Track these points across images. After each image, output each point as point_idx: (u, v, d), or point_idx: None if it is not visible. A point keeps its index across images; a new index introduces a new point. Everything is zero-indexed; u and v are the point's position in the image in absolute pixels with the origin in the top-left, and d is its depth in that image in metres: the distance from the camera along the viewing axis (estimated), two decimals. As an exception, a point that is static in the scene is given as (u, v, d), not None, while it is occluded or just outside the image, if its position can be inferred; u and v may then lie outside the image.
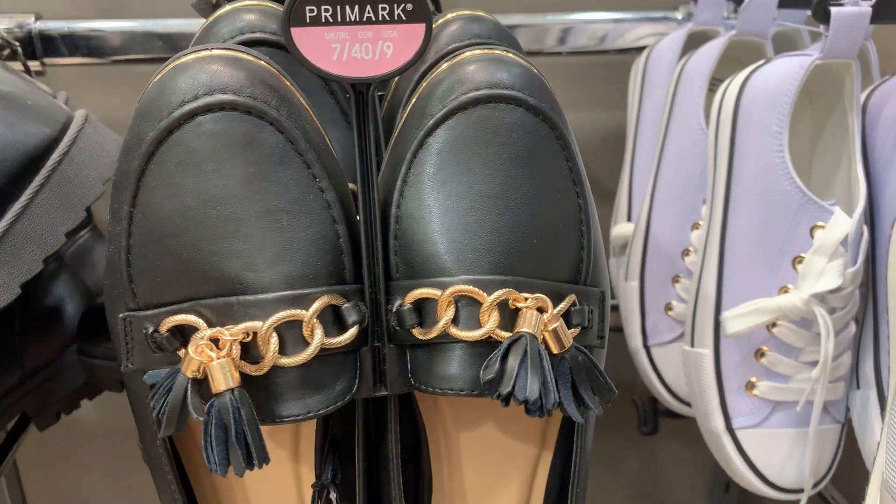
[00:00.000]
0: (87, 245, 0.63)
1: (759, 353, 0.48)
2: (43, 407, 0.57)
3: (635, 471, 0.87)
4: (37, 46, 0.63)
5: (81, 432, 0.81)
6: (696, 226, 0.54)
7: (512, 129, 0.29)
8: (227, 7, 0.38)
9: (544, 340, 0.28)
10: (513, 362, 0.26)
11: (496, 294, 0.28)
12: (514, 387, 0.26)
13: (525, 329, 0.27)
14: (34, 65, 0.63)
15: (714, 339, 0.49)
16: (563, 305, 0.29)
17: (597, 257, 0.31)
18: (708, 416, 0.50)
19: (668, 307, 0.56)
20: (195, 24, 0.63)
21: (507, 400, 0.26)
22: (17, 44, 0.58)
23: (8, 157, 0.43)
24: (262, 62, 0.29)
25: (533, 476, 0.35)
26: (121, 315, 0.29)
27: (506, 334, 0.28)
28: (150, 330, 0.28)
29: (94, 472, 0.84)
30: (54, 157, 0.45)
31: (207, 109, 0.27)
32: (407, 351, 0.29)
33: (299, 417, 0.27)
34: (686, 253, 0.55)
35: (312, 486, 0.33)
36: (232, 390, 0.26)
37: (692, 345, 0.51)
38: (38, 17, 0.62)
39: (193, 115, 0.27)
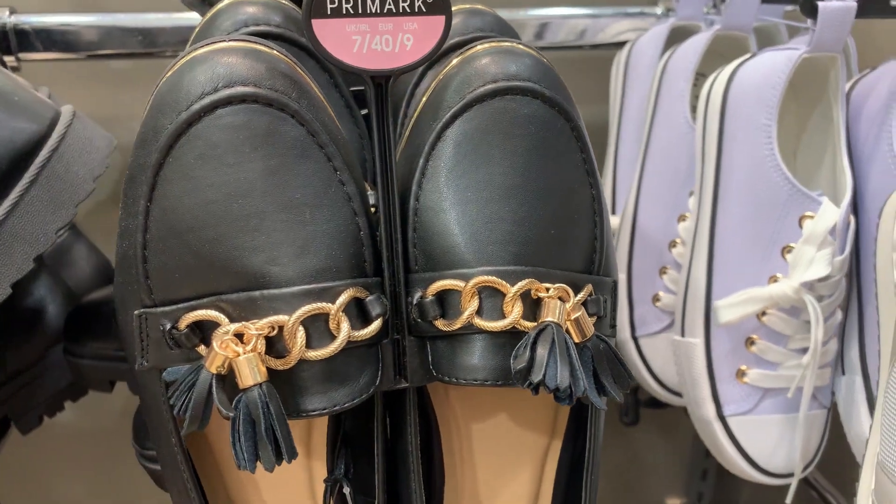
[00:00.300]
0: (67, 244, 0.62)
1: (750, 342, 0.49)
2: (26, 410, 0.56)
3: (615, 461, 0.88)
4: (11, 41, 0.61)
5: (56, 435, 0.80)
6: (682, 218, 0.55)
7: (529, 121, 0.29)
8: (227, 0, 0.37)
9: (567, 330, 0.28)
10: (542, 351, 0.27)
11: (519, 285, 0.28)
12: (544, 375, 0.26)
13: (550, 318, 0.28)
14: (9, 60, 0.61)
15: (704, 328, 0.50)
16: (581, 295, 0.29)
17: (608, 247, 0.32)
18: (699, 405, 0.51)
19: (656, 298, 0.57)
20: (173, 20, 0.62)
21: (537, 388, 0.27)
22: (-7, 38, 0.57)
23: (-3, 154, 0.42)
24: (279, 53, 0.28)
25: (543, 466, 0.35)
26: (136, 312, 0.28)
27: (529, 324, 0.28)
28: (168, 326, 0.28)
29: (70, 476, 0.83)
30: (43, 153, 0.44)
31: (228, 102, 0.26)
32: (427, 343, 0.29)
33: (325, 411, 0.27)
34: (673, 244, 0.56)
35: (325, 480, 0.33)
36: (260, 385, 0.26)
37: (682, 334, 0.52)
38: (12, 11, 0.61)
39: (214, 107, 0.26)
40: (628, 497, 0.93)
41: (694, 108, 0.55)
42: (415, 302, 0.29)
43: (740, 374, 0.49)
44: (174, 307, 0.28)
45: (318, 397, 0.27)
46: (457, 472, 0.34)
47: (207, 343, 0.28)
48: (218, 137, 0.27)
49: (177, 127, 0.27)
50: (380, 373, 0.29)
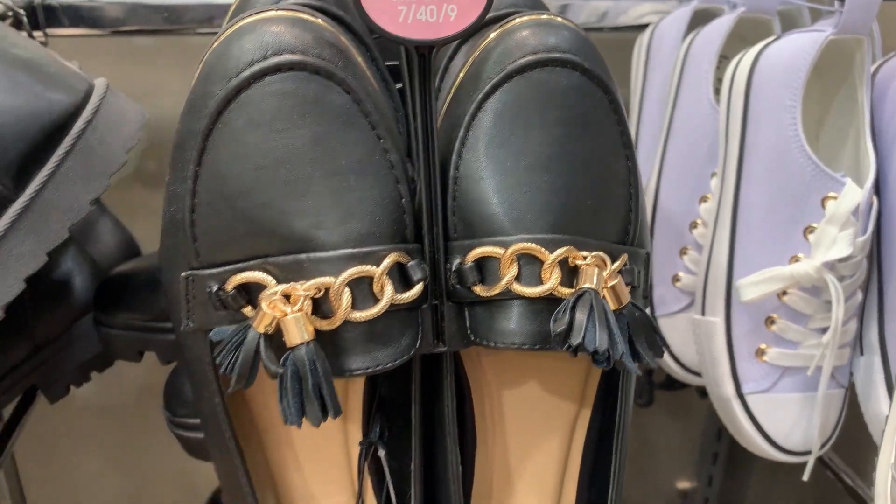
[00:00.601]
0: (92, 219, 0.62)
1: (770, 321, 0.49)
2: (54, 379, 0.57)
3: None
4: (39, 16, 0.62)
5: (76, 409, 0.81)
6: (704, 199, 0.56)
7: (568, 92, 0.30)
8: (265, -26, 0.38)
9: (604, 297, 0.29)
10: (580, 315, 0.27)
11: (558, 252, 0.29)
12: (583, 338, 0.27)
13: (587, 285, 0.28)
14: (37, 35, 0.62)
15: (725, 307, 0.51)
16: (617, 264, 0.30)
17: (643, 219, 0.32)
18: (718, 383, 0.51)
19: (676, 279, 0.58)
20: (198, -2, 0.63)
21: (576, 351, 0.27)
22: (23, 12, 0.58)
23: (33, 126, 0.43)
24: (323, 23, 0.29)
25: (572, 433, 0.36)
26: (183, 274, 0.29)
27: (567, 290, 0.29)
28: (215, 288, 0.28)
29: (88, 450, 0.84)
30: (78, 125, 0.45)
31: (277, 69, 0.27)
32: (465, 308, 0.30)
33: (368, 370, 0.28)
34: (694, 225, 0.56)
35: (360, 443, 0.34)
36: (307, 343, 0.26)
37: (703, 313, 0.52)
38: (41, -13, 0.62)
39: (263, 74, 0.27)
40: (639, 479, 0.94)
41: (717, 91, 0.55)
42: (454, 268, 0.30)
43: (760, 352, 0.50)
44: (221, 269, 0.28)
45: (362, 357, 0.28)
46: (488, 438, 0.35)
47: (253, 305, 0.28)
48: (267, 104, 0.27)
49: (226, 93, 0.27)
50: (420, 336, 0.29)
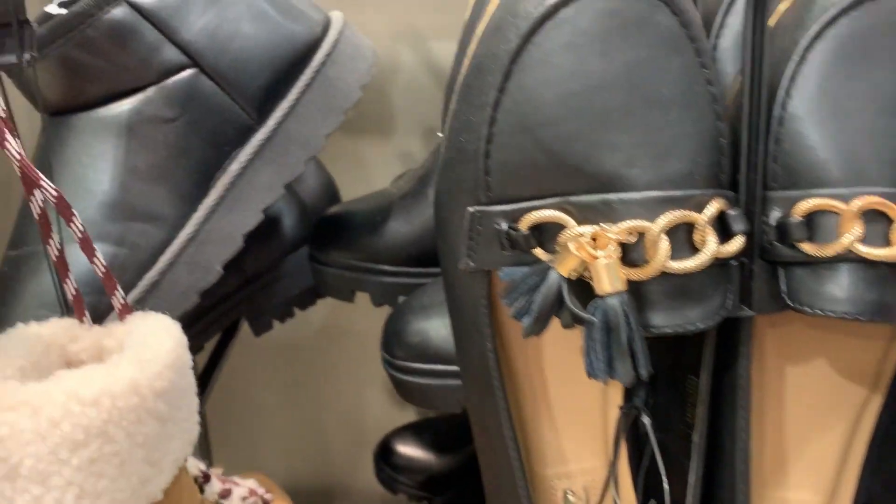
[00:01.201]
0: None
1: None
2: (261, 312, 0.58)
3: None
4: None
5: (255, 343, 0.83)
6: None
7: None
8: None
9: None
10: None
11: (913, 209, 0.25)
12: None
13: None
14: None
15: None
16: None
17: None
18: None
19: None
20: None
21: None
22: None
23: (276, 57, 0.43)
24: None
25: (858, 421, 0.32)
26: (470, 209, 0.27)
27: (919, 255, 0.25)
28: (505, 226, 0.26)
29: (265, 385, 0.87)
30: (318, 57, 0.44)
31: (602, -15, 0.24)
32: (779, 269, 0.27)
33: (676, 328, 0.25)
34: None
35: (620, 407, 0.32)
36: (619, 293, 0.24)
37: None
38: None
39: (586, -10, 0.24)
40: None
41: None
42: (774, 223, 0.26)
43: None
44: (514, 206, 0.26)
45: (670, 314, 0.25)
46: (765, 418, 0.32)
47: (544, 246, 0.26)
48: (587, 23, 0.24)
49: (544, 11, 0.25)
50: (730, 296, 0.26)
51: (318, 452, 0.88)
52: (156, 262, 0.40)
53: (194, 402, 0.34)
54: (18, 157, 0.29)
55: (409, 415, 0.76)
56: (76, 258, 0.31)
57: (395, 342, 0.45)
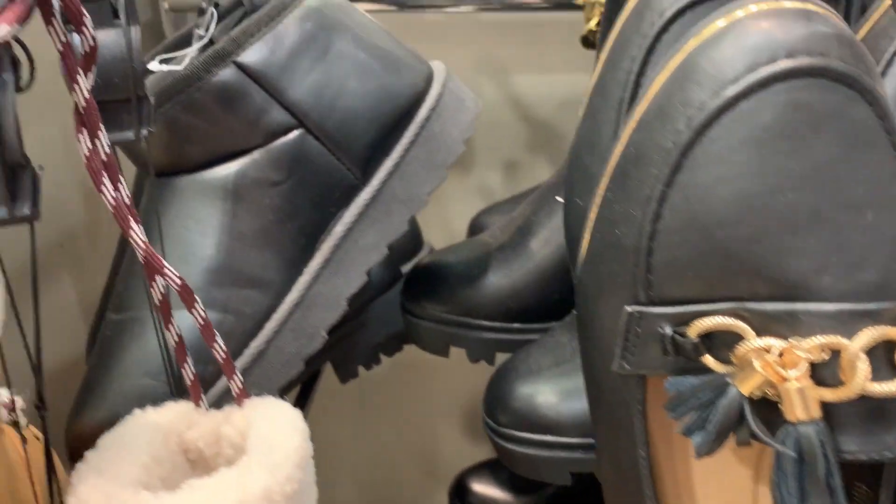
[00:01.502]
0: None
1: None
2: (347, 359, 0.56)
3: None
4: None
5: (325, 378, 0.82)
6: None
7: None
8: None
9: None
10: None
11: None
12: None
13: None
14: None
15: None
16: None
17: None
18: None
19: None
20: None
21: None
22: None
23: (383, 114, 0.41)
24: (835, 16, 0.23)
25: None
26: (628, 308, 0.25)
27: None
28: (670, 331, 0.24)
29: (331, 418, 0.86)
30: (423, 112, 0.42)
31: (788, 75, 0.22)
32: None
33: (875, 455, 0.23)
34: None
35: (773, 511, 0.29)
36: (815, 421, 0.22)
37: None
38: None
39: (770, 81, 0.22)
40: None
41: None
42: None
43: None
44: (681, 309, 0.24)
45: (866, 439, 0.23)
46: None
47: (713, 352, 0.24)
48: (771, 118, 0.22)
49: (721, 103, 0.22)
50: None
51: (391, 486, 0.86)
52: (261, 330, 0.39)
53: (314, 492, 0.33)
54: (143, 246, 0.28)
55: (484, 450, 0.74)
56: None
57: (498, 407, 0.43)
